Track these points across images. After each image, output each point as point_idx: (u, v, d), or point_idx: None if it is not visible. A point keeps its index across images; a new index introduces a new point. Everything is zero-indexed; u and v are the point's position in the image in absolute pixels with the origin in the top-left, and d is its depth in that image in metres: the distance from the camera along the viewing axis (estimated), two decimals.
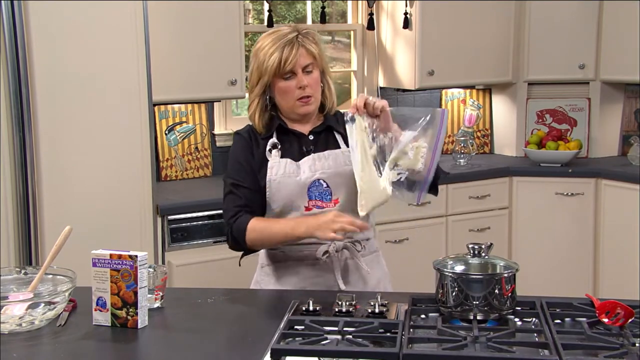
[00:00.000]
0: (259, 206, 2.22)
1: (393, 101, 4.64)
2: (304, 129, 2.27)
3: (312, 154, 2.22)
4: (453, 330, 1.75)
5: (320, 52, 2.22)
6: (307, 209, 2.19)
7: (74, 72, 3.05)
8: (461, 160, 4.37)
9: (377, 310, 1.89)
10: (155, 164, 3.59)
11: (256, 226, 2.16)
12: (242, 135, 2.27)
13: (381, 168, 2.07)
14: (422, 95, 4.71)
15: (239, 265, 2.36)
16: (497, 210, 4.27)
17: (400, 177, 2.05)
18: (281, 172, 2.19)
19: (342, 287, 2.21)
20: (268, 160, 2.22)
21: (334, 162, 2.21)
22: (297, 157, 2.22)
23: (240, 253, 2.29)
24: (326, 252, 2.20)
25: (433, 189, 2.22)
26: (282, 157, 2.22)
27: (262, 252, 2.32)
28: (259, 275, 2.33)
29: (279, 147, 2.23)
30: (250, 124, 2.28)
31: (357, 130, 2.07)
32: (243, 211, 2.18)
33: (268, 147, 2.23)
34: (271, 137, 2.24)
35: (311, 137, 2.26)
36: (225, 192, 2.24)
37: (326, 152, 2.23)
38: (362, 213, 2.08)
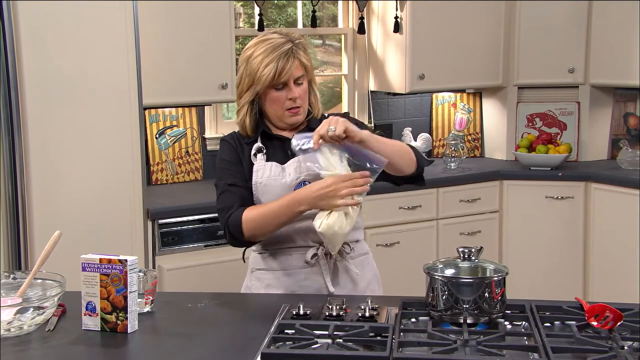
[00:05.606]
0: (253, 205, 2.21)
1: (384, 105, 4.65)
2: (289, 133, 2.27)
3: (297, 156, 2.22)
4: (443, 334, 1.76)
5: (311, 62, 2.25)
6: None
7: (64, 75, 3.04)
8: (452, 164, 4.38)
9: (367, 314, 1.89)
10: (146, 167, 3.59)
11: (251, 215, 2.14)
12: (228, 141, 2.28)
13: None
14: (413, 99, 4.71)
15: (243, 261, 2.35)
16: (487, 213, 4.28)
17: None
18: (267, 174, 2.20)
19: (332, 289, 2.21)
20: (254, 165, 2.22)
21: None
22: (282, 162, 2.23)
23: (242, 249, 2.29)
24: (315, 255, 2.20)
25: (420, 180, 2.24)
26: (267, 161, 2.23)
27: (252, 257, 2.32)
28: (249, 280, 2.33)
29: (264, 151, 2.24)
30: (236, 130, 2.30)
31: (327, 160, 2.04)
32: (236, 206, 2.18)
33: (253, 152, 2.24)
34: (255, 141, 2.25)
35: None
36: (219, 192, 2.23)
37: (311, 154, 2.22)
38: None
